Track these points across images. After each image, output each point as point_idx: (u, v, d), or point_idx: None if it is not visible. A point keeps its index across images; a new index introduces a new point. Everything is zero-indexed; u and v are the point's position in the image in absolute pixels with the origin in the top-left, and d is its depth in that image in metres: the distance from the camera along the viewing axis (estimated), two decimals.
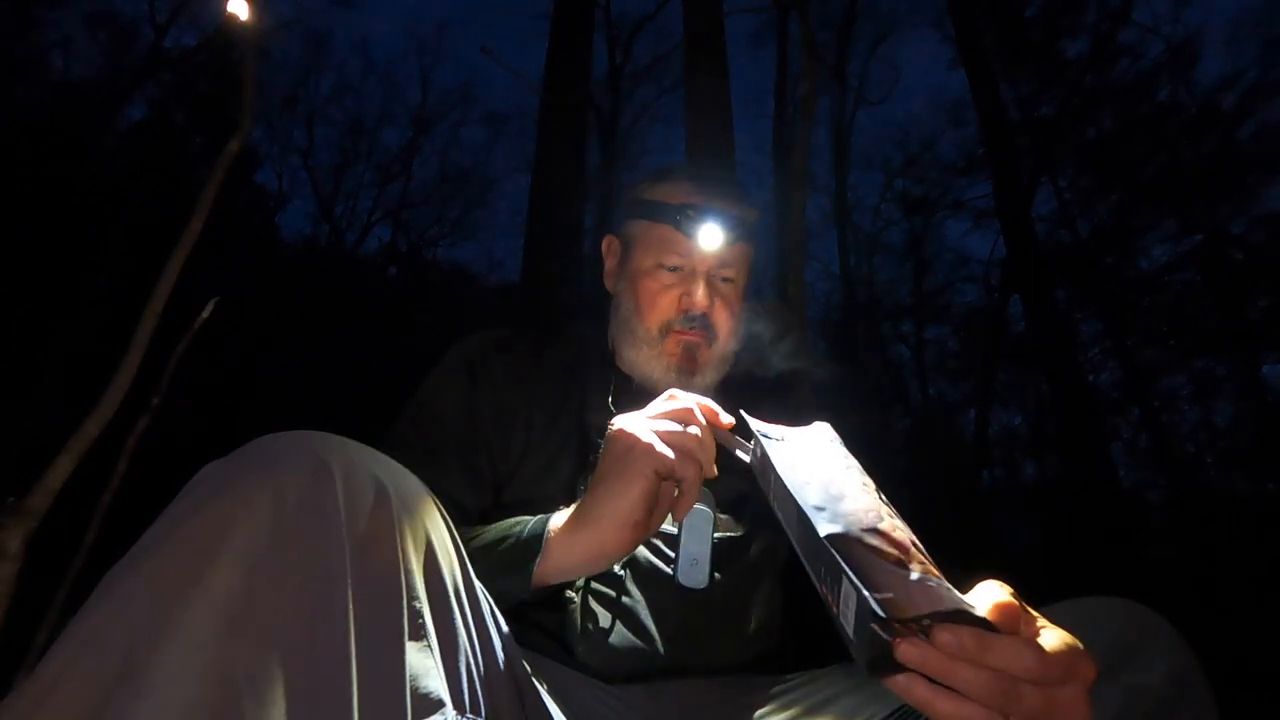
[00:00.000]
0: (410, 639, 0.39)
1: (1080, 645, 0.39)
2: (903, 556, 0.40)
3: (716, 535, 0.79)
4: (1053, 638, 0.39)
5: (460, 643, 0.44)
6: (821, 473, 0.50)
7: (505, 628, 0.54)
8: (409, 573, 0.41)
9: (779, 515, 0.51)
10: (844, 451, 0.55)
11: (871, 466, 0.53)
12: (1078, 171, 9.63)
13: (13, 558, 1.08)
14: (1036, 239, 7.60)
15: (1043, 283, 6.93)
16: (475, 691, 0.45)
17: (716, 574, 0.78)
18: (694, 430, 0.60)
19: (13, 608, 1.10)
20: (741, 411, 0.61)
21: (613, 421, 0.62)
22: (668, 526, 0.78)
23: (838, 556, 0.40)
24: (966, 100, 8.86)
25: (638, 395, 0.89)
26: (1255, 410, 8.16)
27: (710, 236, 0.86)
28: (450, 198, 14.11)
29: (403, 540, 0.42)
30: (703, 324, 0.88)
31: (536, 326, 0.98)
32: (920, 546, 0.43)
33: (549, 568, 0.61)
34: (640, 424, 0.61)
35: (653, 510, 0.60)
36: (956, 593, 0.38)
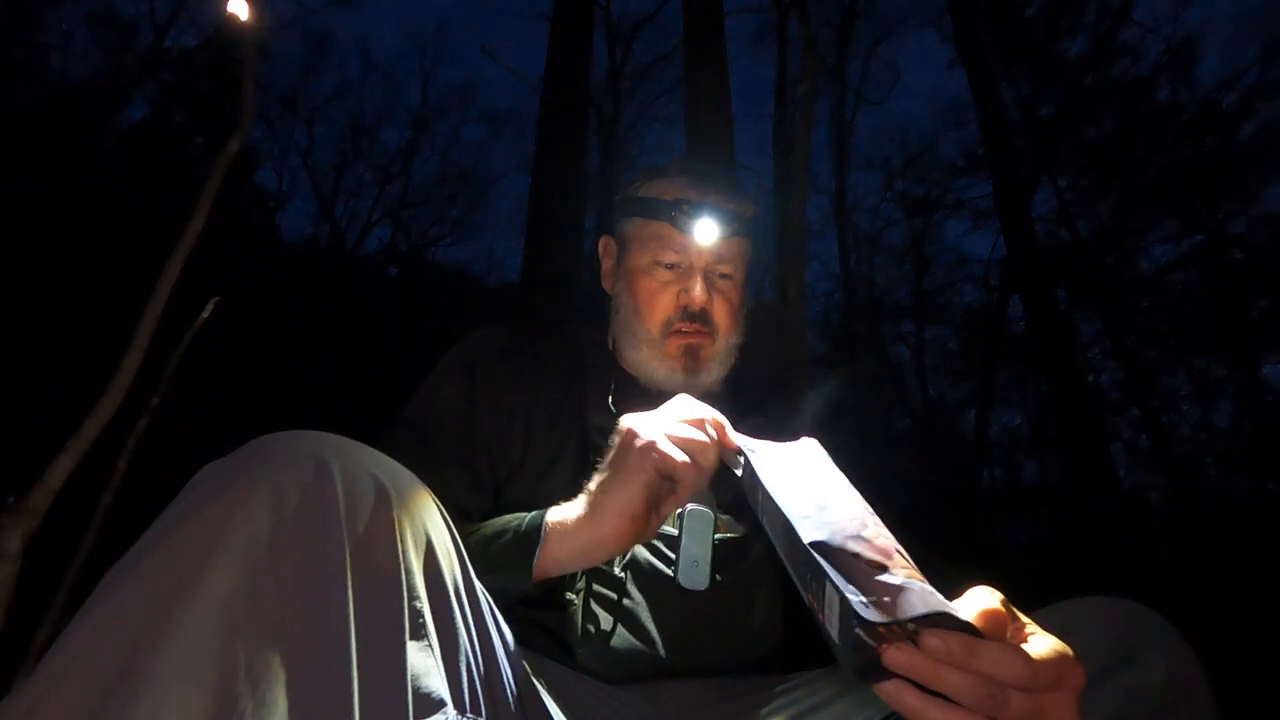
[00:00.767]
0: (411, 639, 0.39)
1: (1070, 652, 0.40)
2: (885, 561, 0.41)
3: (717, 537, 0.79)
4: (1042, 644, 0.39)
5: (461, 642, 0.44)
6: (807, 484, 0.51)
7: (505, 627, 0.54)
8: (409, 572, 0.41)
9: (768, 529, 0.52)
10: (832, 466, 0.56)
11: (870, 477, 0.54)
12: (1078, 171, 9.63)
13: (13, 558, 1.08)
14: (1036, 239, 7.60)
15: (1043, 283, 6.93)
16: (476, 691, 0.45)
17: (717, 575, 0.78)
18: (700, 436, 0.61)
19: (13, 608, 1.10)
20: (724, 420, 0.62)
21: (622, 419, 0.63)
22: (668, 528, 0.78)
23: (821, 562, 0.41)
24: (966, 100, 8.88)
25: (639, 395, 0.89)
26: (1255, 410, 8.16)
27: (705, 231, 0.86)
28: (450, 198, 14.12)
29: (403, 540, 0.42)
30: (702, 320, 0.87)
31: (537, 327, 0.97)
32: (904, 554, 0.43)
33: (547, 559, 0.61)
34: (649, 423, 0.62)
35: (651, 508, 0.60)
36: (940, 596, 0.38)
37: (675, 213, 0.87)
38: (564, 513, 0.63)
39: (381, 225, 13.35)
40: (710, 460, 0.61)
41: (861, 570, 0.40)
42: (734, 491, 0.82)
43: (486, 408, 0.85)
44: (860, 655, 0.37)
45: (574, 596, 0.75)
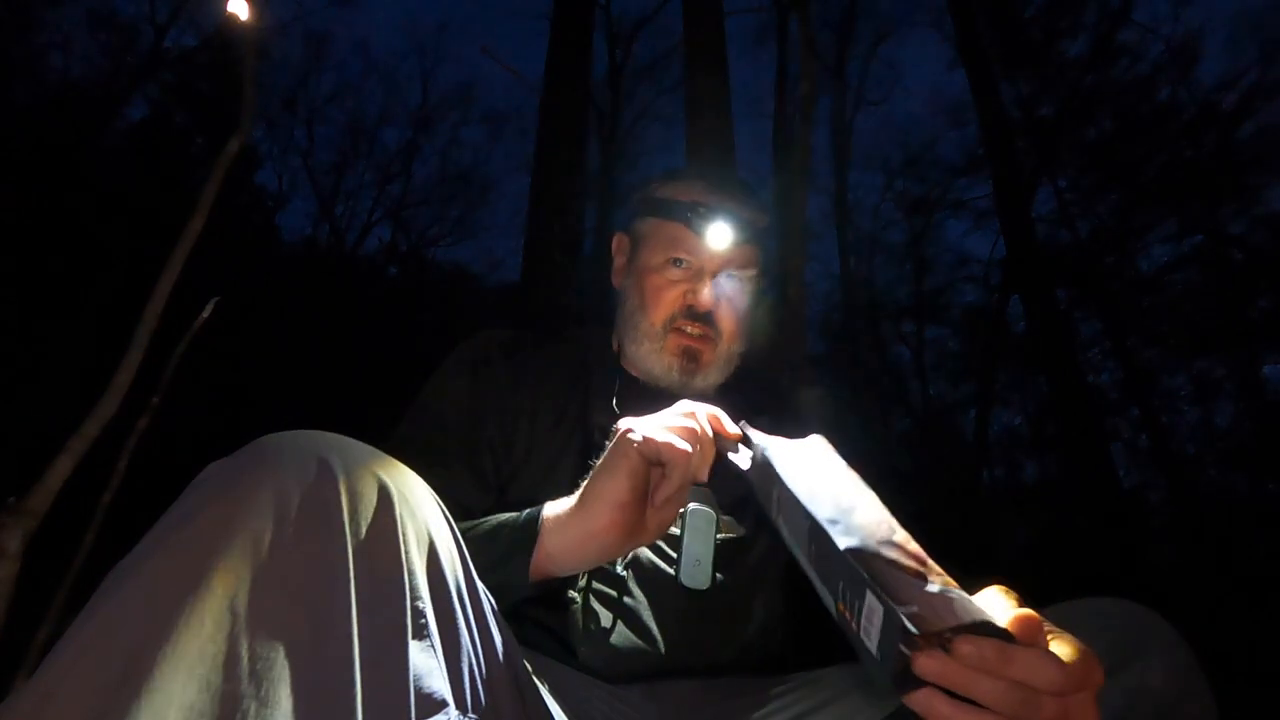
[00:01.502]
0: (413, 639, 0.39)
1: (1090, 651, 0.39)
2: (921, 569, 0.40)
3: (719, 536, 0.79)
4: (1065, 645, 0.39)
5: (463, 642, 0.44)
6: (827, 484, 0.49)
7: (507, 627, 0.54)
8: (412, 573, 0.41)
9: (782, 528, 0.50)
10: (843, 463, 0.54)
11: (871, 478, 0.53)
12: (1078, 171, 9.63)
13: (13, 558, 1.08)
14: (1036, 239, 7.60)
15: (1043, 283, 6.93)
16: (477, 691, 0.45)
17: (719, 575, 0.78)
18: (690, 424, 0.60)
19: (13, 608, 1.10)
20: (743, 423, 0.61)
21: (620, 422, 0.63)
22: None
23: (862, 571, 0.39)
24: (966, 100, 8.87)
25: (643, 396, 0.89)
26: (1255, 410, 8.16)
27: (719, 234, 0.87)
28: (450, 198, 14.11)
29: (405, 540, 0.42)
30: (707, 321, 0.88)
31: (538, 326, 0.98)
32: (930, 558, 0.43)
33: (543, 556, 0.61)
34: (642, 420, 0.62)
35: (641, 495, 0.60)
36: (977, 604, 0.38)
37: (690, 214, 0.87)
38: (558, 507, 0.64)
39: (381, 225, 13.36)
40: (705, 447, 0.60)
41: (901, 579, 0.39)
42: (735, 492, 0.82)
43: (490, 407, 0.85)
44: (899, 664, 0.36)
45: (575, 595, 0.75)
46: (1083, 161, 9.47)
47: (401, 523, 0.42)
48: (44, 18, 9.19)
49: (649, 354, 0.89)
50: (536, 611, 0.75)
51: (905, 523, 0.46)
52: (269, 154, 12.84)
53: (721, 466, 0.62)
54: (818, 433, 0.61)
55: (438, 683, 0.40)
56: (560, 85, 4.18)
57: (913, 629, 0.35)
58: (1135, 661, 0.54)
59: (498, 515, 0.68)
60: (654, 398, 0.89)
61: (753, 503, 0.83)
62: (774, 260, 1.01)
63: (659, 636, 0.75)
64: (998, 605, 0.40)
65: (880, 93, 12.05)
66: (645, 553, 0.78)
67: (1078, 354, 7.48)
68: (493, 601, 0.53)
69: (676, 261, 0.89)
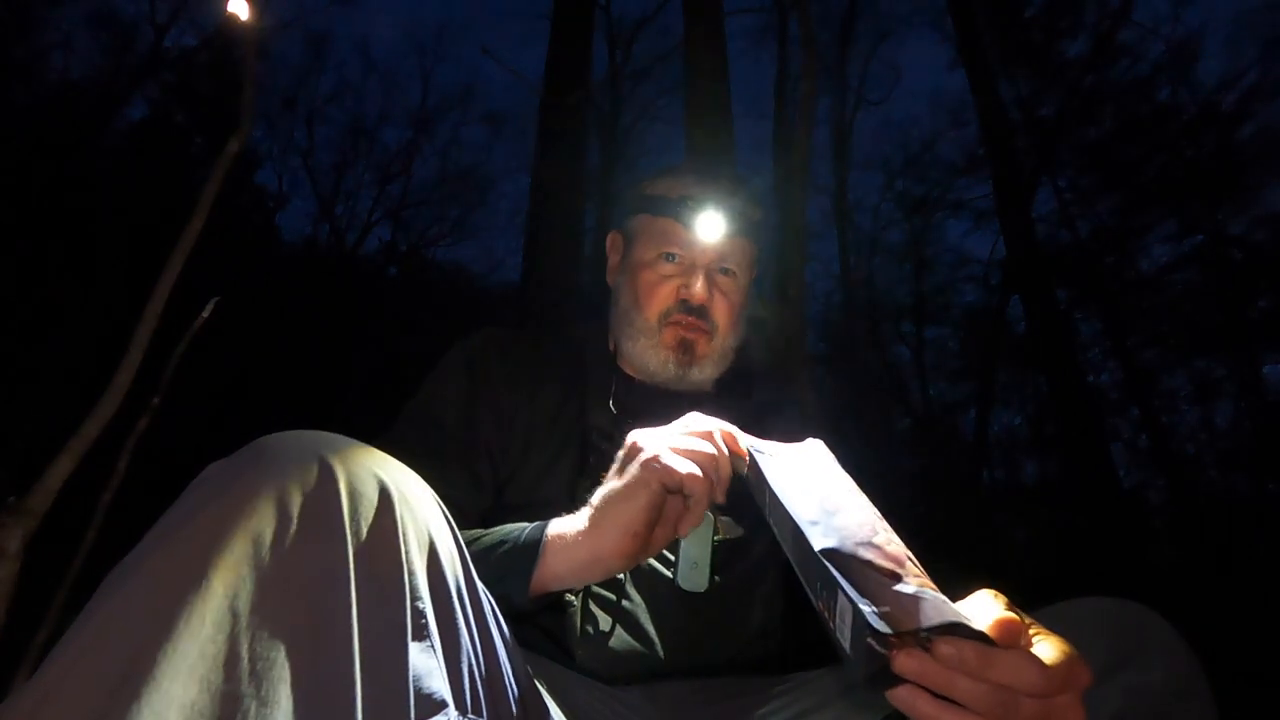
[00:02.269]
0: (414, 639, 0.40)
1: (1075, 652, 0.39)
2: (898, 570, 0.41)
3: (716, 538, 0.79)
4: (1049, 646, 0.39)
5: (463, 643, 0.44)
6: (815, 488, 0.50)
7: (507, 629, 0.54)
8: (412, 574, 0.41)
9: (775, 530, 0.51)
10: (838, 468, 0.55)
11: (871, 478, 0.53)
12: (1078, 171, 9.63)
13: (13, 558, 1.08)
14: (1036, 239, 7.61)
15: (1043, 283, 6.93)
16: (477, 692, 0.45)
17: (716, 577, 0.78)
18: (709, 449, 0.59)
19: (13, 608, 1.10)
20: (735, 430, 0.60)
21: (630, 434, 0.62)
22: None
23: (833, 570, 0.40)
24: (966, 100, 8.88)
25: (640, 396, 0.89)
26: (1255, 410, 8.16)
27: (711, 228, 0.87)
28: (450, 198, 14.10)
29: (406, 541, 0.42)
30: (701, 314, 0.88)
31: (537, 326, 0.98)
32: (915, 560, 0.43)
33: (546, 574, 0.60)
34: (656, 437, 0.60)
35: (655, 523, 0.58)
36: (954, 606, 0.38)
37: (682, 209, 0.88)
38: (565, 526, 0.62)
39: (381, 225, 13.35)
40: (722, 473, 0.59)
41: (874, 579, 0.40)
42: (734, 493, 0.82)
43: (487, 408, 0.85)
44: (871, 664, 0.36)
45: (573, 598, 0.75)
46: (1083, 161, 9.47)
47: (402, 523, 0.42)
48: (44, 18, 9.19)
49: (645, 349, 0.89)
50: (535, 614, 0.75)
51: (904, 524, 0.46)
52: (269, 154, 12.84)
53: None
54: (817, 431, 0.62)
55: (437, 683, 0.40)
56: (560, 85, 4.18)
57: (879, 627, 0.36)
58: (1135, 661, 0.54)
59: (500, 528, 0.67)
60: (651, 397, 0.89)
61: (751, 504, 0.84)
62: (770, 255, 1.01)
63: (657, 639, 0.75)
64: (985, 608, 0.40)
65: (880, 93, 12.04)
66: None
67: (1078, 354, 7.48)
68: (493, 602, 0.53)
69: (669, 256, 0.89)
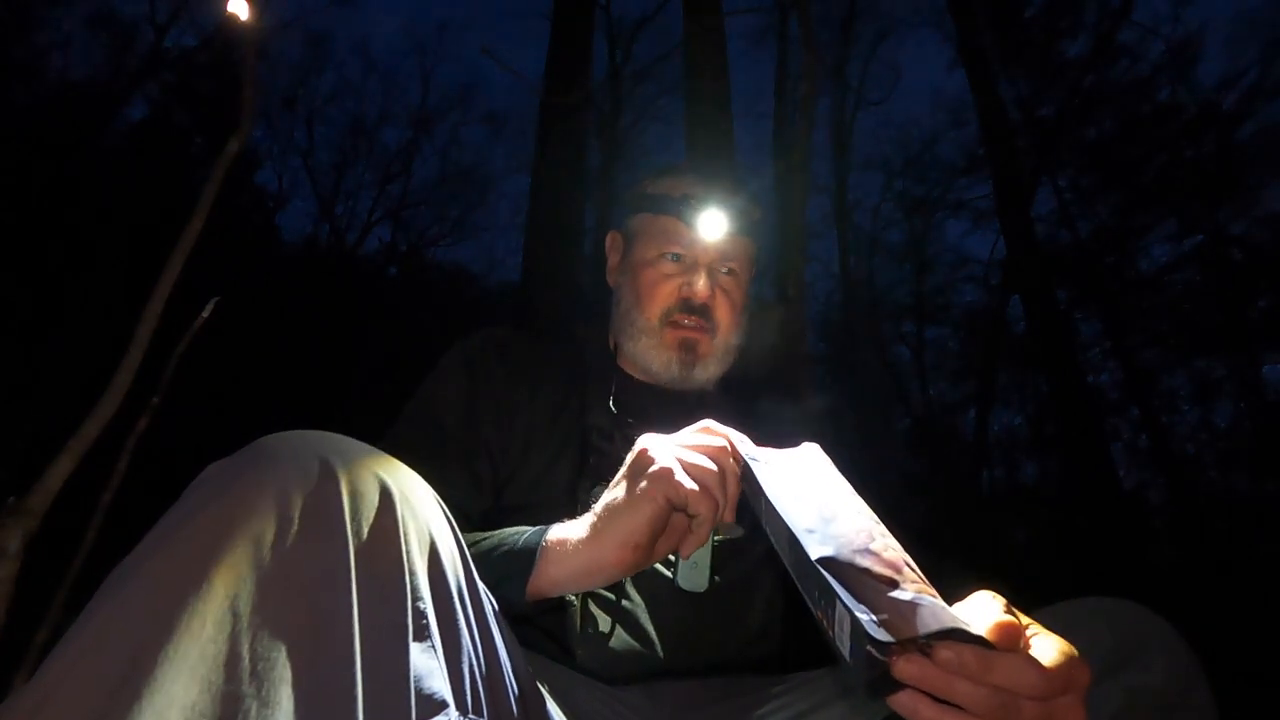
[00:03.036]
0: (414, 640, 0.39)
1: (1075, 652, 0.40)
2: (895, 576, 0.40)
3: (716, 539, 0.79)
4: (1048, 647, 0.39)
5: (463, 644, 0.44)
6: (811, 495, 0.50)
7: (507, 629, 0.54)
8: (413, 574, 0.41)
9: (771, 539, 0.51)
10: (834, 472, 0.55)
11: (870, 479, 0.53)
12: (1078, 171, 9.63)
13: (13, 558, 1.08)
14: (1036, 239, 7.60)
15: (1043, 283, 6.93)
16: (478, 692, 0.45)
17: (716, 577, 0.78)
18: (714, 466, 0.57)
19: (13, 608, 1.09)
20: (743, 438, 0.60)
21: (639, 440, 0.61)
22: None
23: (830, 579, 0.40)
24: (966, 100, 8.88)
25: (640, 396, 0.89)
26: (1255, 410, 8.16)
27: (712, 227, 0.87)
28: (450, 198, 14.11)
29: (407, 541, 0.41)
30: (703, 314, 0.88)
31: (538, 326, 0.98)
32: (913, 565, 0.43)
33: (543, 580, 0.59)
34: (665, 448, 0.58)
35: (658, 535, 0.57)
36: (951, 610, 0.38)
37: (683, 208, 0.88)
38: (565, 532, 0.60)
39: (381, 225, 13.36)
40: (730, 492, 0.57)
41: (871, 586, 0.39)
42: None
43: (487, 407, 0.85)
44: (871, 670, 0.36)
45: (573, 598, 0.75)
46: (1083, 161, 9.47)
47: (403, 523, 0.42)
48: (44, 18, 9.19)
49: (647, 349, 0.89)
50: (535, 616, 0.74)
51: (903, 524, 0.46)
52: (269, 154, 12.85)
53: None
54: (818, 431, 0.62)
55: (438, 683, 0.40)
56: (560, 85, 4.18)
57: (880, 637, 0.36)
58: (1135, 661, 0.54)
59: (500, 532, 0.66)
60: (652, 397, 0.89)
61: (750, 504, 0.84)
62: (770, 255, 1.01)
63: (657, 639, 0.75)
64: (984, 610, 0.40)
65: (880, 93, 12.04)
66: None
67: (1078, 354, 7.48)
68: (494, 602, 0.53)
69: (671, 255, 0.89)
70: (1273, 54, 7.84)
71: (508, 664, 0.51)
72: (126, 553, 0.39)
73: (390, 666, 0.38)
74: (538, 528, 0.63)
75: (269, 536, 0.37)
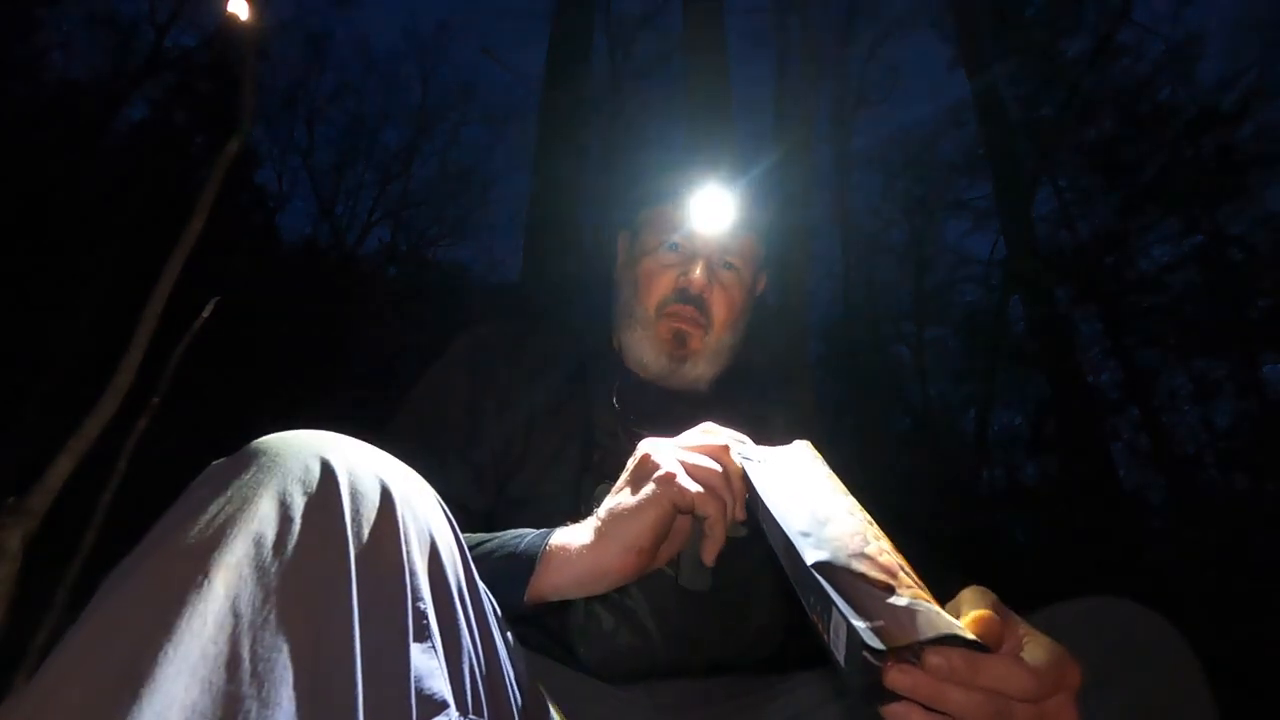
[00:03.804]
0: (415, 640, 0.39)
1: (1066, 652, 0.39)
2: (891, 581, 0.40)
3: None
4: (1038, 649, 0.39)
5: (463, 644, 0.44)
6: (805, 496, 0.50)
7: (507, 629, 0.54)
8: (413, 574, 0.41)
9: (769, 539, 0.51)
10: (826, 470, 0.54)
11: (869, 479, 0.53)
12: (1078, 171, 9.64)
13: (13, 558, 1.08)
14: (1036, 239, 7.61)
15: (1043, 283, 6.93)
16: (478, 692, 0.45)
17: (719, 576, 0.78)
18: (718, 467, 0.57)
19: (13, 608, 1.10)
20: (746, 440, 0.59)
21: (641, 443, 0.60)
22: None
23: (826, 585, 0.40)
24: (966, 100, 8.87)
25: (642, 392, 0.89)
26: (1255, 410, 8.17)
27: (713, 219, 0.87)
28: (450, 198, 14.11)
29: (407, 541, 0.41)
30: (698, 305, 0.87)
31: (541, 321, 0.97)
32: (907, 568, 0.43)
33: (544, 585, 0.58)
34: (669, 452, 0.58)
35: (662, 540, 0.57)
36: (947, 616, 0.38)
37: (684, 198, 0.88)
38: (568, 537, 0.59)
39: (381, 225, 13.37)
40: (737, 490, 0.57)
41: (866, 591, 0.39)
42: None
43: (489, 402, 0.84)
44: (867, 677, 0.36)
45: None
46: (1083, 161, 9.48)
47: (403, 524, 0.41)
48: (44, 18, 9.19)
49: (640, 340, 0.89)
50: (536, 617, 0.74)
51: (903, 524, 0.46)
52: (269, 154, 12.85)
53: None
54: (817, 432, 0.61)
55: (439, 684, 0.40)
56: (560, 85, 4.18)
57: (875, 644, 0.36)
58: (1135, 662, 0.54)
59: (502, 534, 0.65)
60: (653, 394, 0.89)
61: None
62: (772, 254, 1.00)
63: (659, 638, 0.75)
64: (979, 614, 0.40)
65: (880, 93, 12.03)
66: None
67: (1078, 354, 7.48)
68: (494, 602, 0.53)
69: (670, 245, 0.89)
70: (1273, 54, 7.84)
71: (508, 664, 0.51)
72: (126, 553, 0.39)
73: (391, 667, 0.38)
74: (540, 531, 0.62)
75: (270, 537, 0.37)
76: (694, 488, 0.55)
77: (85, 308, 7.29)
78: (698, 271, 0.86)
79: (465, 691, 0.43)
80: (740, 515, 0.57)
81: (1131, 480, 8.80)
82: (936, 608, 0.39)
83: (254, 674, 0.33)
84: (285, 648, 0.35)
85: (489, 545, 0.64)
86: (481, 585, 0.51)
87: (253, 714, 0.33)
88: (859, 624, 0.37)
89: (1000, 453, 11.08)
